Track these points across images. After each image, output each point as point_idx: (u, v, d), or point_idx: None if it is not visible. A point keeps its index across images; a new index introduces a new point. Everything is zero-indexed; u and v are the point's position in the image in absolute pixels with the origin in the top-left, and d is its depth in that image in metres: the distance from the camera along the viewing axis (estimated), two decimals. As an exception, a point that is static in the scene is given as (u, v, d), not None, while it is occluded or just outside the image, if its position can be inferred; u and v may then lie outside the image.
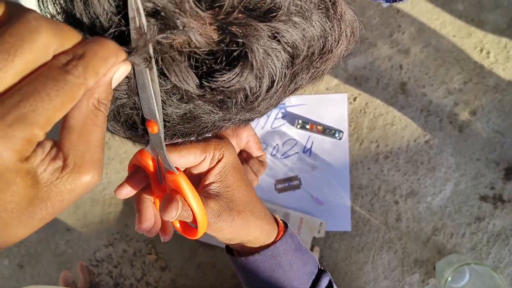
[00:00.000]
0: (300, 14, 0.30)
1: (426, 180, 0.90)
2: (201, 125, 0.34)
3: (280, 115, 0.93)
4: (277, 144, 0.93)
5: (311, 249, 0.89)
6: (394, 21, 0.92)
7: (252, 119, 0.37)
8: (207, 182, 0.43)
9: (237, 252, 0.51)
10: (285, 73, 0.31)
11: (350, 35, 0.36)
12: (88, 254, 0.98)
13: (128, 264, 0.97)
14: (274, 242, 0.48)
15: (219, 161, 0.43)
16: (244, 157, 0.77)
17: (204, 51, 0.28)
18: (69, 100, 0.23)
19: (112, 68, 0.26)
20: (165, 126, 0.34)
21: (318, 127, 0.91)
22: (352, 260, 0.91)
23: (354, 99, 0.92)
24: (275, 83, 0.31)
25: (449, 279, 0.75)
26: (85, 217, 0.99)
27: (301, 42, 0.30)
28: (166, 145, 0.37)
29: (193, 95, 0.30)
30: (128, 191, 0.42)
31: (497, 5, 0.89)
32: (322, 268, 0.52)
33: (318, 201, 0.91)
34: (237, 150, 0.75)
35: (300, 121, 0.91)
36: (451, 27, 0.91)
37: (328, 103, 0.92)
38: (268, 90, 0.31)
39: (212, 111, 0.32)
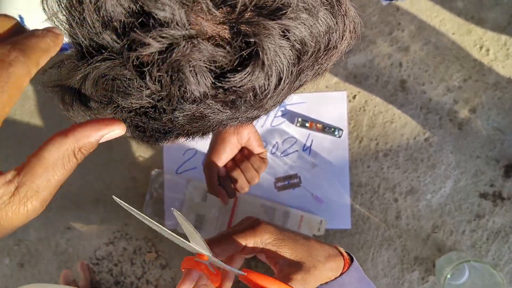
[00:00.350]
0: (307, 11, 0.30)
1: (426, 178, 0.90)
2: (207, 124, 0.35)
3: (279, 113, 0.93)
4: (277, 142, 0.93)
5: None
6: (394, 19, 0.92)
7: (258, 117, 0.37)
8: (275, 261, 0.51)
9: None
10: (291, 70, 0.32)
11: (352, 31, 0.37)
12: (88, 253, 0.98)
13: (128, 262, 0.97)
14: (341, 274, 0.52)
15: (266, 244, 0.50)
16: (245, 154, 0.77)
17: (222, 54, 0.29)
18: (17, 93, 0.23)
19: (108, 132, 0.27)
20: (171, 128, 0.34)
21: (318, 125, 0.91)
22: (352, 257, 0.91)
23: (354, 97, 0.92)
24: (282, 81, 0.32)
25: (449, 276, 0.75)
26: (85, 216, 0.99)
27: (310, 38, 0.31)
28: (195, 234, 0.43)
29: (207, 97, 0.31)
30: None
31: (497, 2, 0.89)
32: None
33: (318, 199, 0.91)
34: (238, 148, 0.76)
35: (299, 119, 0.91)
36: (451, 25, 0.90)
37: (328, 101, 0.92)
38: (275, 88, 0.32)
39: (220, 110, 0.32)
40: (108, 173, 0.98)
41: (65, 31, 0.29)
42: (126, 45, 0.28)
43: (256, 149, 0.76)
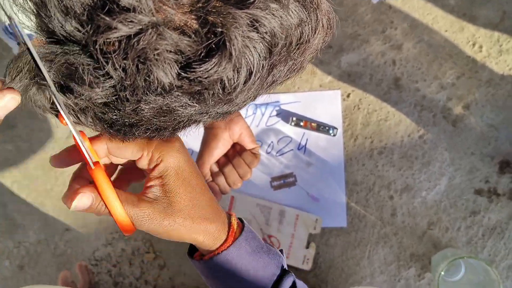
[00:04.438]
0: (277, 1, 0.29)
1: (420, 175, 0.90)
2: (177, 119, 0.34)
3: (274, 112, 0.94)
4: (272, 142, 0.93)
5: (307, 246, 0.90)
6: (387, 17, 0.92)
7: (230, 112, 0.36)
8: (148, 185, 0.42)
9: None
10: (263, 64, 0.31)
11: (327, 26, 0.36)
12: (87, 254, 0.99)
13: (127, 263, 0.98)
14: (226, 248, 0.45)
15: (157, 164, 0.42)
16: (238, 150, 0.77)
17: (187, 43, 0.28)
18: None
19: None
20: (139, 120, 0.33)
21: (313, 124, 0.91)
22: (348, 255, 0.91)
23: (348, 96, 0.93)
24: (253, 75, 0.31)
25: (442, 273, 0.76)
26: (84, 217, 0.99)
27: (280, 30, 0.30)
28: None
29: (172, 87, 0.30)
30: (59, 163, 0.44)
31: (489, -1, 0.89)
32: (286, 268, 0.50)
33: (313, 198, 0.92)
34: (230, 143, 0.76)
35: (294, 119, 0.91)
36: (443, 22, 0.91)
37: (322, 100, 0.93)
38: (245, 82, 0.31)
39: (188, 104, 0.32)
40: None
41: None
42: (91, 31, 0.27)
43: (248, 144, 0.76)
